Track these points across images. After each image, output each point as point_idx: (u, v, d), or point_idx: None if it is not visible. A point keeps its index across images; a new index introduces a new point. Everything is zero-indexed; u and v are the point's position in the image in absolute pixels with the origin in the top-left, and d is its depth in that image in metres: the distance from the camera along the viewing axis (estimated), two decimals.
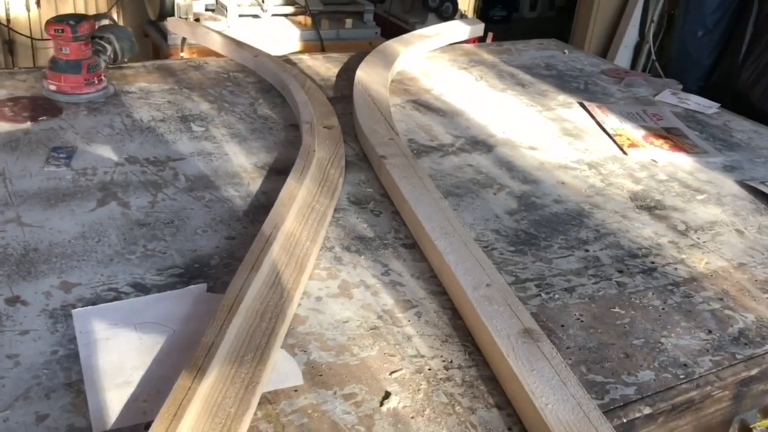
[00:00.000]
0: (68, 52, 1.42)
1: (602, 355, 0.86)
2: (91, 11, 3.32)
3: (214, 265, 0.96)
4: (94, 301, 0.86)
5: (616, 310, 0.95)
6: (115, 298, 0.87)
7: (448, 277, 0.94)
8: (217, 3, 2.74)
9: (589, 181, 1.32)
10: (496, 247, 1.07)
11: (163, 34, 2.59)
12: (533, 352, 0.80)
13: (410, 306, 0.92)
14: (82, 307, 0.85)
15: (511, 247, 1.08)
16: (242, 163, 1.25)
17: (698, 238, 1.15)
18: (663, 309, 0.96)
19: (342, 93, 1.65)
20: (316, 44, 2.82)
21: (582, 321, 0.92)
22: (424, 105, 1.62)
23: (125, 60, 1.64)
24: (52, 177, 1.13)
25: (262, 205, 1.12)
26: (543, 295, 0.97)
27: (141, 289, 0.90)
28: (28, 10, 3.10)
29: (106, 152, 1.23)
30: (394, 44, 1.92)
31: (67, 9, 3.20)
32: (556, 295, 0.97)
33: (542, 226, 1.14)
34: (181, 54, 2.42)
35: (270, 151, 1.31)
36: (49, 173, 1.14)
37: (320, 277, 0.96)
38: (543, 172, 1.34)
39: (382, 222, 1.11)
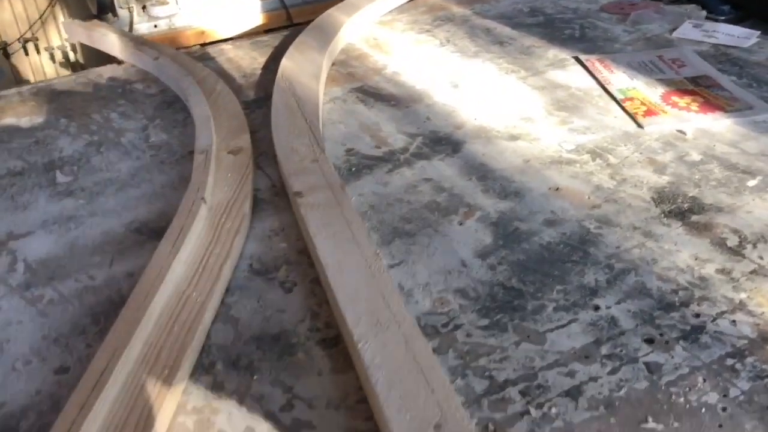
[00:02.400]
0: None
1: None
2: (30, 9, 2.96)
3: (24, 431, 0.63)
4: None
5: (650, 425, 0.60)
6: None
7: (378, 411, 0.60)
8: None
9: (594, 179, 0.95)
10: (461, 324, 0.72)
11: None
12: None
13: None
14: None
15: (484, 318, 0.73)
16: (111, 228, 0.91)
17: (760, 258, 0.79)
18: (724, 411, 0.61)
19: (267, 91, 1.28)
20: (281, 13, 2.42)
21: None
22: (372, 93, 1.25)
23: None
24: None
25: (123, 300, 0.78)
26: (532, 411, 0.62)
27: None
28: None
29: None
30: (334, 13, 1.54)
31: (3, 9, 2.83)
32: (553, 409, 0.62)
33: (529, 272, 0.79)
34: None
35: (153, 201, 0.96)
36: None
37: (184, 429, 0.62)
38: (529, 176, 0.97)
39: (293, 302, 0.77)
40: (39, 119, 1.22)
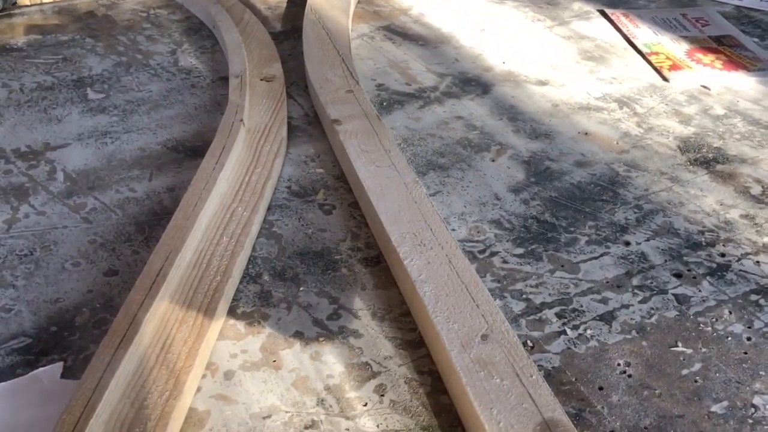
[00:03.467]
0: None
1: None
2: None
3: (79, 326, 0.65)
4: None
5: (679, 348, 0.64)
6: None
7: (425, 323, 0.63)
8: None
9: (622, 126, 0.98)
10: (497, 251, 0.75)
11: None
12: None
13: (369, 375, 0.61)
14: None
15: (519, 248, 0.75)
16: (147, 144, 0.92)
17: None
18: (749, 340, 0.65)
19: (293, 24, 1.28)
20: None
21: (630, 376, 0.61)
22: (399, 32, 1.25)
23: (14, 4, 1.29)
24: None
25: (166, 211, 0.80)
26: (569, 331, 0.65)
27: None
28: None
29: None
30: None
31: None
32: (589, 330, 0.65)
33: (561, 207, 0.81)
34: None
35: (188, 122, 0.97)
36: None
37: (235, 332, 0.65)
38: (558, 119, 0.99)
39: (334, 223, 0.79)
40: (64, 37, 1.21)
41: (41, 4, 1.35)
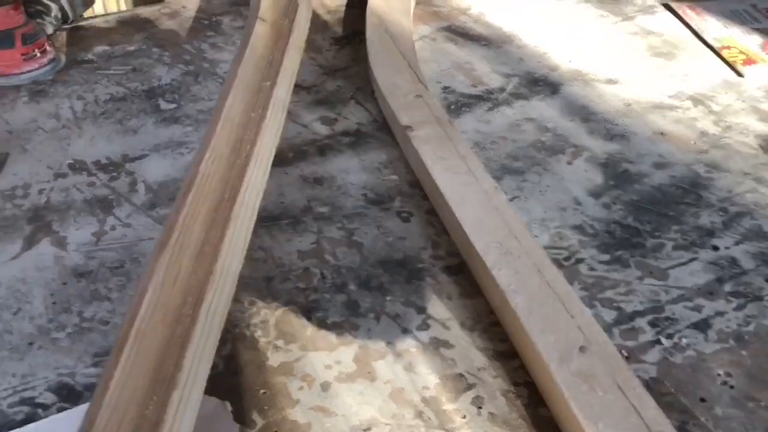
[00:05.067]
0: None
1: None
2: None
3: None
4: None
5: None
6: (27, 419, 0.59)
7: (518, 334, 0.63)
8: None
9: (698, 125, 0.95)
10: (582, 258, 0.74)
11: None
12: None
13: (465, 386, 0.61)
14: None
15: (605, 254, 0.74)
16: None
17: None
18: None
19: (354, 28, 1.28)
20: None
21: (732, 387, 0.60)
22: (460, 33, 1.25)
23: (81, 15, 1.32)
24: None
25: None
26: (663, 340, 0.64)
27: (69, 394, 0.61)
28: None
29: (46, 158, 0.93)
30: None
31: None
32: (684, 339, 0.64)
33: (644, 211, 0.80)
34: None
35: None
36: None
37: (327, 342, 0.65)
38: (632, 119, 0.97)
39: (413, 231, 0.79)
40: (131, 47, 1.24)
41: (105, 14, 1.38)
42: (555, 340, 0.60)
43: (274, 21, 1.07)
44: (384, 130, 0.97)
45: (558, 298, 0.64)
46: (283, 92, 0.91)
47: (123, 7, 1.45)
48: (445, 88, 1.07)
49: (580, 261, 0.74)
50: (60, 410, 0.59)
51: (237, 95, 0.87)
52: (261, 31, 1.03)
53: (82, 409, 0.60)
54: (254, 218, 0.73)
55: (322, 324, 0.67)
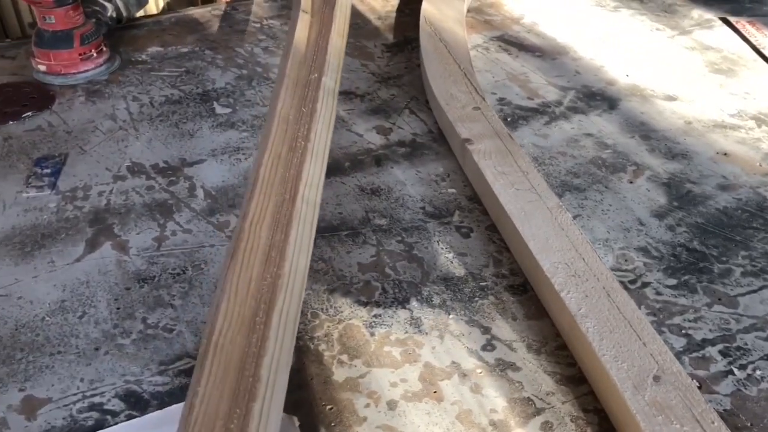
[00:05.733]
0: (53, 21, 1.11)
1: None
2: None
3: None
4: None
5: None
6: (97, 426, 0.60)
7: (589, 360, 0.62)
8: None
9: (763, 146, 0.93)
10: (648, 282, 0.73)
11: None
12: None
13: (533, 411, 0.60)
14: None
15: (671, 278, 0.73)
16: None
17: None
18: None
19: (405, 35, 1.28)
20: None
21: None
22: (514, 43, 1.23)
23: (134, 16, 1.33)
24: (32, 207, 0.85)
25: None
26: (736, 371, 0.63)
27: (136, 402, 0.61)
28: None
29: (104, 160, 0.94)
30: None
31: None
32: (758, 371, 0.63)
33: (710, 235, 0.78)
34: None
35: None
36: (29, 201, 0.86)
37: (391, 359, 0.65)
38: (694, 138, 0.96)
39: (474, 246, 0.78)
40: (184, 49, 1.24)
41: (158, 14, 1.39)
42: (628, 367, 0.58)
43: (315, 11, 1.09)
44: (440, 141, 0.97)
45: (629, 324, 0.62)
46: (330, 82, 0.92)
47: (172, 8, 1.46)
48: (501, 99, 1.06)
49: (646, 285, 0.72)
50: (129, 418, 0.60)
51: (288, 92, 0.88)
52: (304, 24, 1.04)
53: (151, 417, 0.60)
54: (317, 214, 0.72)
55: (385, 340, 0.67)
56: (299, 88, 0.90)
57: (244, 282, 0.61)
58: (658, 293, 0.71)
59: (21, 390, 0.63)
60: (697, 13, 1.33)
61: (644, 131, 0.97)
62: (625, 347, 0.60)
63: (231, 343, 0.53)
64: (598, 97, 1.06)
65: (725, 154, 0.92)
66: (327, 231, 0.81)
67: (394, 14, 1.37)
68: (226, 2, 1.42)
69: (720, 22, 1.28)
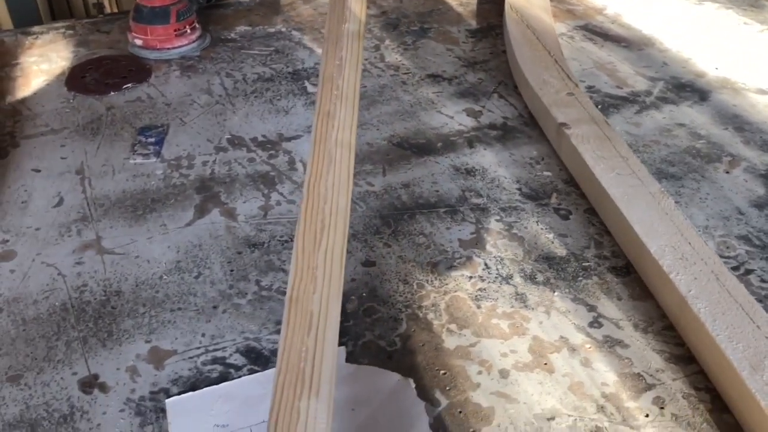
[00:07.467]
0: None
1: None
2: None
3: (351, 313, 0.69)
4: (194, 383, 0.62)
5: None
6: (221, 378, 0.63)
7: (703, 340, 0.62)
8: None
9: None
10: (751, 269, 0.73)
11: None
12: None
13: (644, 386, 0.61)
14: (178, 393, 0.61)
15: None
16: (374, 139, 0.96)
17: None
18: None
19: (488, 22, 1.29)
20: None
21: None
22: (599, 32, 1.24)
23: None
24: (139, 173, 0.89)
25: (405, 206, 0.83)
26: None
27: (257, 358, 0.64)
28: None
29: (204, 131, 0.97)
30: None
31: None
32: None
33: None
34: None
35: (407, 119, 1.00)
36: (136, 167, 0.90)
37: (500, 331, 0.67)
38: None
39: (573, 228, 0.79)
40: (271, 29, 1.27)
41: None
42: (743, 348, 0.59)
43: None
44: (531, 126, 0.98)
45: (741, 307, 0.63)
46: (353, 26, 0.95)
47: None
48: (590, 87, 1.07)
49: (749, 272, 0.73)
50: (251, 372, 0.63)
51: (328, 51, 0.91)
52: None
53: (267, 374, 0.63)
54: (353, 154, 0.75)
55: (492, 312, 0.68)
56: (335, 41, 0.93)
57: (309, 238, 0.63)
58: (763, 281, 0.71)
59: (147, 341, 0.66)
60: None
61: (738, 123, 0.97)
62: (739, 329, 0.61)
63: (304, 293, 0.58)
64: (688, 88, 1.06)
65: None
66: (425, 207, 0.83)
67: (474, 1, 1.38)
68: None
69: None
